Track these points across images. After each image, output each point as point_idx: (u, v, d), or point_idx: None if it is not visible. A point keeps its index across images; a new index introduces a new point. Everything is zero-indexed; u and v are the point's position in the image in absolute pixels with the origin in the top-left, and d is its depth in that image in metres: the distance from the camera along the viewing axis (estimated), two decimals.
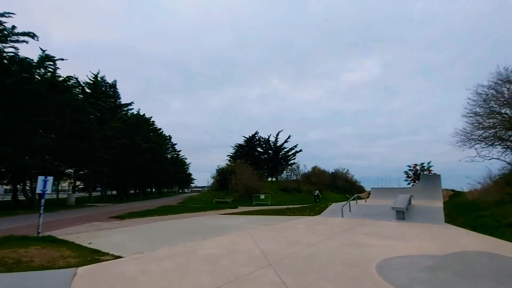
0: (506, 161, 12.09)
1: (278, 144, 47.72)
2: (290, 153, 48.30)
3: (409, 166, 31.60)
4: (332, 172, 53.99)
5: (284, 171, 47.59)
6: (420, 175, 28.69)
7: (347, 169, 57.52)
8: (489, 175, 13.75)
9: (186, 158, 73.65)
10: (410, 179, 31.27)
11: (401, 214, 11.44)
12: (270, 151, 48.23)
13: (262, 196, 29.88)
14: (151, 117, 49.03)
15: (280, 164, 47.61)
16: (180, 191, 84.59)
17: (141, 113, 46.58)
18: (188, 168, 79.27)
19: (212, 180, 43.03)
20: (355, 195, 16.69)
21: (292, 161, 47.77)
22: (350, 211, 13.57)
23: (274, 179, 47.74)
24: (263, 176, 44.32)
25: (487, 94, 11.27)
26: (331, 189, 49.18)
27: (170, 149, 61.34)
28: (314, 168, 47.29)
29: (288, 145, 47.86)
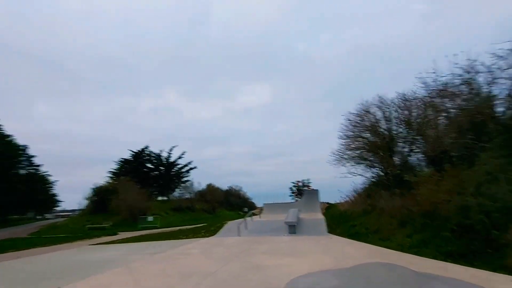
0: (366, 177, 14.83)
1: (171, 160, 44.58)
2: (183, 170, 45.78)
3: (293, 183, 35.47)
4: (226, 190, 54.49)
5: (177, 189, 44.50)
6: (302, 190, 32.46)
7: (241, 187, 59.43)
8: (355, 189, 16.53)
9: (50, 175, 58.46)
10: (294, 194, 34.98)
11: (293, 228, 11.94)
12: (161, 168, 44.35)
13: (150, 218, 26.46)
14: None
15: (172, 181, 44.33)
16: (39, 216, 65.88)
17: None
18: (52, 187, 63.08)
19: (87, 202, 35.31)
20: (250, 212, 16.77)
21: (185, 179, 45.39)
22: (246, 228, 13.32)
23: (165, 198, 43.85)
24: (152, 195, 39.95)
25: (355, 121, 13.74)
26: (225, 206, 49.29)
27: (25, 162, 47.35)
28: (209, 186, 46.45)
29: (182, 162, 45.34)
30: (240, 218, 15.47)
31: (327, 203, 24.07)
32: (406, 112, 12.21)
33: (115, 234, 19.83)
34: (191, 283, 5.06)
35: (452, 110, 9.61)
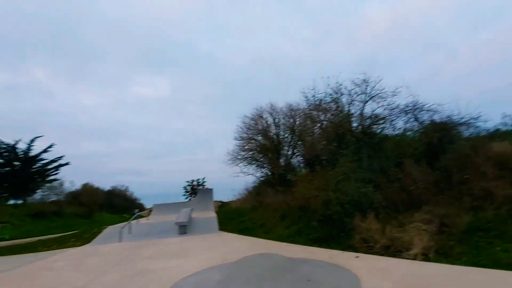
0: (257, 176, 16.21)
1: (32, 154, 35.37)
2: (50, 167, 37.14)
3: (188, 182, 34.73)
4: (108, 190, 47.86)
5: (39, 190, 35.76)
6: (196, 189, 32.21)
7: (127, 186, 53.46)
8: (246, 188, 17.76)
9: None
10: (188, 194, 34.27)
11: (184, 229, 11.68)
12: (16, 163, 34.60)
13: None
14: None
15: (33, 180, 35.31)
16: None
17: None
18: None
19: None
20: (137, 214, 15.34)
21: (53, 177, 36.96)
22: (130, 232, 12.10)
23: (20, 201, 34.42)
24: (1, 198, 30.78)
25: (249, 124, 14.83)
26: (107, 209, 43.23)
27: None
28: (85, 186, 39.61)
29: (48, 156, 36.57)
30: (125, 221, 13.95)
31: (221, 201, 24.80)
32: (291, 120, 14.08)
33: None
34: None
35: (324, 122, 11.71)
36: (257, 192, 15.44)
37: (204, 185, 33.10)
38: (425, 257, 5.35)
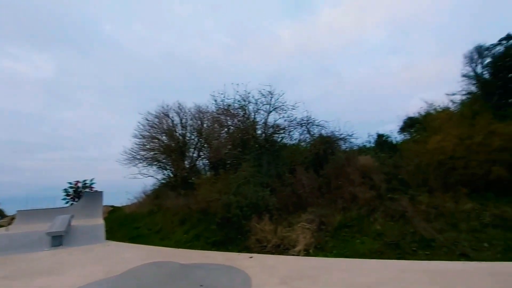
0: (157, 178, 15.09)
1: None
2: None
3: (70, 183, 29.13)
4: None
5: None
6: (81, 192, 27.41)
7: None
8: (144, 190, 16.29)
9: None
10: (69, 198, 28.70)
11: (59, 240, 9.71)
12: None
13: None
14: None
15: None
16: None
17: None
18: None
19: None
20: None
21: None
22: None
23: None
24: None
25: (153, 122, 13.71)
26: None
27: None
28: None
29: None
30: None
31: (112, 206, 21.91)
32: (199, 122, 13.84)
33: None
34: None
35: (231, 127, 12.02)
36: (156, 195, 14.38)
37: (92, 187, 28.54)
38: (307, 252, 6.14)
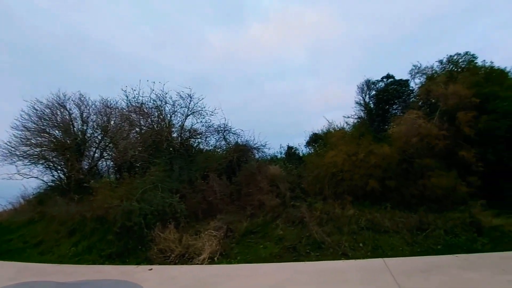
0: (44, 180, 12.50)
1: None
2: None
3: None
4: None
5: None
6: None
7: None
8: (23, 194, 13.26)
9: None
10: None
11: None
12: None
13: None
14: None
15: None
16: None
17: None
18: None
19: None
20: None
21: None
22: None
23: None
24: None
25: (43, 112, 11.38)
26: None
27: None
28: None
29: None
30: None
31: None
32: (105, 118, 12.25)
33: None
34: None
35: (143, 128, 11.09)
36: (39, 200, 11.89)
37: None
38: (211, 260, 6.09)
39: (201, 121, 10.35)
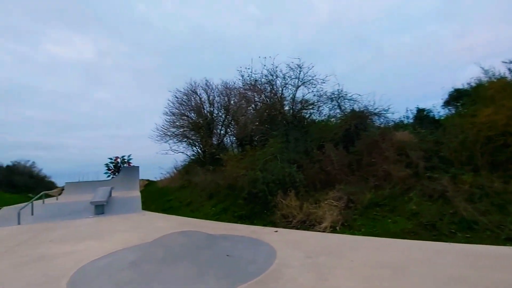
0: (187, 155, 15.60)
1: None
2: None
3: (111, 159, 31.30)
4: (7, 166, 40.00)
5: None
6: (120, 167, 29.41)
7: (33, 162, 45.53)
8: (175, 166, 16.99)
9: None
10: (110, 172, 31.01)
11: (101, 208, 10.56)
12: None
13: None
14: None
15: None
16: None
17: None
18: None
19: None
20: (42, 193, 13.18)
21: None
22: (32, 214, 10.35)
23: None
24: None
25: (182, 99, 13.95)
26: (5, 188, 36.28)
27: None
28: None
29: None
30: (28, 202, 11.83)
31: (148, 180, 23.31)
32: (226, 98, 13.78)
33: None
34: None
35: (258, 103, 11.80)
36: (186, 171, 14.93)
37: (130, 163, 30.45)
38: (333, 229, 5.97)
39: (312, 91, 10.04)
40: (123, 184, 18.84)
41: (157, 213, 10.25)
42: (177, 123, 14.35)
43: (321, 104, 10.06)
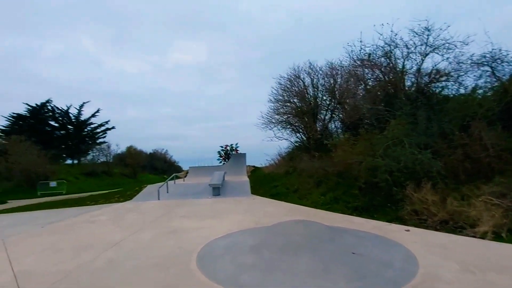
0: (291, 141, 15.52)
1: (83, 119, 38.39)
2: (98, 130, 40.26)
3: (222, 147, 35.15)
4: (150, 153, 51.02)
5: (90, 152, 39.09)
6: (230, 154, 32.59)
7: (166, 150, 56.49)
8: (279, 153, 17.25)
9: None
10: (221, 158, 34.91)
11: (217, 190, 11.72)
12: (70, 127, 37.87)
13: (53, 183, 22.76)
14: None
15: (84, 143, 38.65)
16: None
17: None
18: None
19: None
20: (174, 175, 15.82)
21: (101, 140, 40.16)
22: (167, 192, 12.50)
23: (76, 161, 38.24)
24: (59, 158, 34.24)
25: (285, 86, 13.81)
26: (149, 170, 46.48)
27: None
28: (129, 148, 42.42)
29: (96, 121, 39.56)
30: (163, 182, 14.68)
31: (253, 166, 24.84)
32: (331, 80, 12.74)
33: (3, 202, 16.33)
34: (87, 257, 4.19)
35: (370, 81, 10.34)
36: (290, 157, 14.86)
37: (237, 150, 33.30)
38: (497, 236, 4.46)
39: (447, 58, 7.93)
40: (233, 170, 20.63)
41: (265, 198, 10.54)
42: (280, 110, 14.39)
43: (462, 74, 7.83)
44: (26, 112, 35.53)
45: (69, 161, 37.99)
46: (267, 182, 14.33)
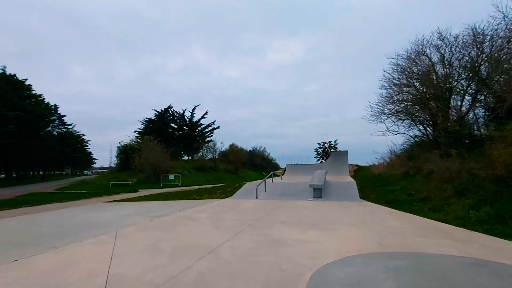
0: (410, 135, 12.55)
1: (194, 120, 44.06)
2: (206, 130, 45.39)
3: (319, 144, 33.29)
4: (250, 150, 53.94)
5: (200, 149, 44.44)
6: (328, 152, 30.40)
7: (264, 147, 58.58)
8: (392, 150, 14.37)
9: (83, 135, 61.96)
10: (319, 156, 33.06)
11: (319, 192, 10.41)
12: (185, 127, 44.11)
13: (172, 177, 26.44)
14: (26, 79, 37.30)
15: (195, 141, 44.22)
16: (78, 173, 71.42)
17: (11, 74, 34.97)
18: (86, 146, 67.17)
19: (116, 160, 36.74)
20: (271, 173, 15.39)
21: (209, 139, 45.09)
22: (265, 190, 12.02)
23: (189, 157, 44.30)
24: (177, 154, 40.27)
25: (403, 67, 11.05)
26: (248, 167, 49.12)
27: (57, 122, 49.53)
28: (232, 146, 45.84)
29: (205, 122, 44.82)
30: (261, 178, 14.47)
31: (356, 165, 22.16)
32: (474, 51, 9.36)
33: (136, 191, 19.79)
34: (182, 264, 3.72)
35: None
36: (409, 156, 11.98)
37: (336, 148, 30.82)
38: None
39: None
40: (333, 169, 18.76)
41: (380, 206, 8.54)
42: (395, 98, 11.71)
43: None
44: (154, 117, 43.42)
45: (185, 157, 44.29)
46: (378, 185, 12.03)
